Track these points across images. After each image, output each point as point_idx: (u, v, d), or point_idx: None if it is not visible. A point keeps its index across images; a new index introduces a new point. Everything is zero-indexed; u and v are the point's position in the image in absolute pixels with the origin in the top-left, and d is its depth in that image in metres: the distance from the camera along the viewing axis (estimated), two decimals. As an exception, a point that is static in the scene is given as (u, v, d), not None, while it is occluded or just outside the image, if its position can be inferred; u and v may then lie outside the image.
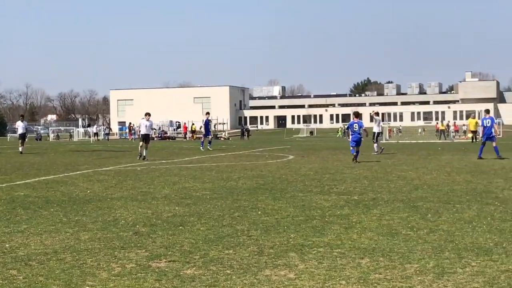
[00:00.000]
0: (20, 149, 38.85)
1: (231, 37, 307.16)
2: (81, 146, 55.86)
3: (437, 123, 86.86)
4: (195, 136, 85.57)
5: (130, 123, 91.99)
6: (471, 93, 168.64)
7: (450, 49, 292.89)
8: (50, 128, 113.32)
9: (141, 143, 30.16)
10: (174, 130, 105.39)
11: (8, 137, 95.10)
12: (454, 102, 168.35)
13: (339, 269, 7.79)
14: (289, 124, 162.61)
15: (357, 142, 26.73)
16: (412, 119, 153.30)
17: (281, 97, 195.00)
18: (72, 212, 12.63)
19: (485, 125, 28.69)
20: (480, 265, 7.85)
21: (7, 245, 9.40)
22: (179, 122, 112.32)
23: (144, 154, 29.48)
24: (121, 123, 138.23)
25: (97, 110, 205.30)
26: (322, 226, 10.69)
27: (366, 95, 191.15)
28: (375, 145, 33.31)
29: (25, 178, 20.34)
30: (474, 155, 31.24)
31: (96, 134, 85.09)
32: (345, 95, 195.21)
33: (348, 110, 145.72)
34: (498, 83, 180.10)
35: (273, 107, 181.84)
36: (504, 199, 13.74)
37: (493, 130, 28.44)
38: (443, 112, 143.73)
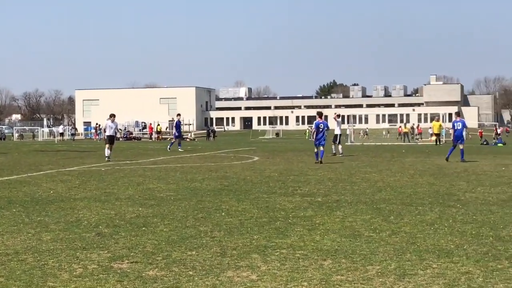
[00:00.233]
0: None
1: (198, 38, 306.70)
2: (45, 146, 55.32)
3: (400, 126, 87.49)
4: (160, 136, 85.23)
5: (96, 124, 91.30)
6: (436, 96, 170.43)
7: (415, 52, 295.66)
8: (14, 128, 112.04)
9: (107, 145, 29.94)
10: (140, 131, 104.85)
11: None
12: (418, 105, 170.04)
13: (301, 270, 7.81)
14: (255, 126, 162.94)
15: (321, 143, 27.05)
16: (377, 121, 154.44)
17: (247, 99, 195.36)
18: (34, 213, 12.51)
19: (456, 128, 29.04)
20: (441, 267, 7.92)
21: (-33, 246, 9.29)
22: (145, 123, 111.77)
23: (108, 155, 29.29)
24: (87, 123, 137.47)
25: (62, 110, 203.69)
26: (285, 227, 10.71)
27: (332, 97, 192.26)
28: (340, 146, 33.63)
29: (-13, 178, 20.10)
30: (438, 157, 31.59)
31: (61, 134, 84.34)
32: (311, 97, 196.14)
33: (314, 112, 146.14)
34: (462, 87, 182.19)
35: (239, 108, 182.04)
36: (465, 202, 13.88)
37: (463, 133, 28.77)
38: (407, 115, 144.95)
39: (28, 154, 37.41)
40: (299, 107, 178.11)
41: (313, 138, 27.99)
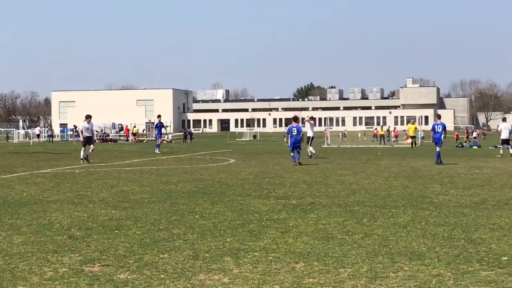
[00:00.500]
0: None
1: (175, 39, 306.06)
2: (20, 148, 54.88)
3: (375, 128, 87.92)
4: (137, 138, 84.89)
5: (74, 126, 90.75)
6: (412, 99, 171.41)
7: (392, 55, 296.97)
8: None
9: (84, 147, 29.68)
10: (117, 133, 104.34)
11: None
12: (395, 107, 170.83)
13: (274, 273, 7.81)
14: (232, 128, 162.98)
15: (296, 146, 27.25)
16: (354, 123, 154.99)
17: (225, 101, 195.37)
18: (6, 215, 12.41)
19: (436, 130, 29.25)
20: (412, 270, 7.95)
21: None
22: (121, 125, 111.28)
23: (85, 156, 29.02)
24: (63, 125, 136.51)
25: (38, 111, 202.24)
26: (259, 230, 10.71)
27: (309, 100, 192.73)
28: (311, 148, 33.76)
29: (-41, 180, 19.91)
30: (413, 160, 31.73)
31: (38, 136, 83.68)
32: (288, 100, 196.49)
33: (291, 115, 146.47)
34: (438, 90, 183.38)
35: (216, 110, 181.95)
36: (439, 204, 13.96)
37: (442, 136, 28.94)
38: (384, 117, 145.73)
39: (1, 156, 37.08)
40: (277, 109, 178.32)
41: (287, 143, 28.20)
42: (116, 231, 10.61)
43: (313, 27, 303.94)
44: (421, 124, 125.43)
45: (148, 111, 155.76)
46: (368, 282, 7.41)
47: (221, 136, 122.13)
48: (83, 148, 29.68)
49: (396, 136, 77.01)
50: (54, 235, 10.28)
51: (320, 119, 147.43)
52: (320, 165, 27.51)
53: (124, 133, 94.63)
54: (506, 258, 8.55)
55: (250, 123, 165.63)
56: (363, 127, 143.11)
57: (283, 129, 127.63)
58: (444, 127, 29.27)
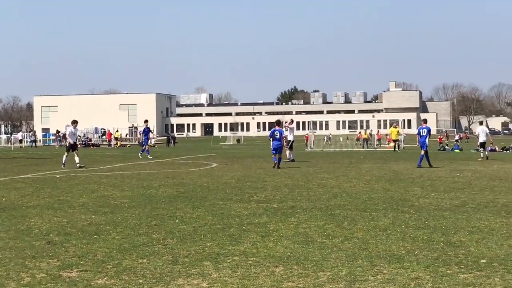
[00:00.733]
0: None
1: (158, 43, 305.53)
2: (1, 153, 54.54)
3: (359, 132, 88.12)
4: (119, 143, 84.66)
5: (57, 131, 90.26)
6: (395, 103, 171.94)
7: (375, 59, 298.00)
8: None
9: (68, 152, 29.50)
10: (99, 137, 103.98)
11: None
12: (378, 111, 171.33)
13: (253, 277, 7.79)
14: (216, 132, 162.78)
15: (278, 149, 27.63)
16: (338, 127, 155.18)
17: (208, 105, 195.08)
18: (-16, 221, 12.31)
19: (421, 134, 29.49)
20: (391, 273, 7.95)
21: None
22: (104, 129, 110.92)
23: (78, 161, 28.86)
24: (45, 130, 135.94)
25: (20, 116, 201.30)
26: (239, 234, 10.68)
27: (292, 104, 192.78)
28: (288, 152, 33.88)
29: None
30: (395, 163, 31.82)
31: (20, 141, 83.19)
32: (272, 103, 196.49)
33: (275, 119, 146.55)
34: (421, 93, 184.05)
35: (200, 114, 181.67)
36: (419, 207, 13.99)
37: (427, 140, 29.12)
38: (367, 121, 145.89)
39: (-17, 161, 36.83)
40: (260, 113, 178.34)
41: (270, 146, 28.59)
42: (95, 236, 10.55)
43: (296, 31, 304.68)
44: (404, 127, 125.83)
45: (131, 115, 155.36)
46: (347, 285, 7.40)
47: (205, 140, 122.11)
48: (66, 153, 29.50)
49: (379, 140, 77.27)
50: (33, 241, 10.21)
51: (303, 123, 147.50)
52: (302, 168, 27.55)
53: (106, 137, 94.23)
54: (484, 260, 8.57)
55: (233, 127, 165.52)
56: (346, 131, 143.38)
57: (267, 133, 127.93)
58: (429, 131, 29.64)
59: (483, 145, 37.11)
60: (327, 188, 18.57)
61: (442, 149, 59.81)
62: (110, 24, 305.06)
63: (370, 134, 79.40)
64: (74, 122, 30.59)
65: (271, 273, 7.98)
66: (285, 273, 8.00)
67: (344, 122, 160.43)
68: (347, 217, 12.50)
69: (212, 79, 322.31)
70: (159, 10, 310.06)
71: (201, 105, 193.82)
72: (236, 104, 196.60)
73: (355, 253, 9.07)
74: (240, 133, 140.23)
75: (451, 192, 17.10)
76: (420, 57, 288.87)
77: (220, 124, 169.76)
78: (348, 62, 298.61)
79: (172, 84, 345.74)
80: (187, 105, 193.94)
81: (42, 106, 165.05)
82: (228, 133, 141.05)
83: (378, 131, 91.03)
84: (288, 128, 35.47)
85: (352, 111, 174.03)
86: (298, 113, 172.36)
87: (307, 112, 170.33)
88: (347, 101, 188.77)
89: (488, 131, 37.87)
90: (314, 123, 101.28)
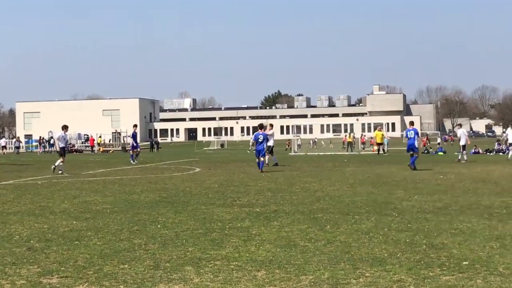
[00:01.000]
0: None
1: (141, 48, 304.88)
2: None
3: (345, 135, 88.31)
4: (102, 148, 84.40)
5: (40, 137, 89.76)
6: (379, 106, 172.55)
7: (359, 62, 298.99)
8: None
9: (62, 158, 29.27)
10: (83, 143, 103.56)
11: None
12: (362, 114, 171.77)
13: (235, 282, 7.75)
14: (200, 137, 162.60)
15: (261, 153, 27.69)
16: (322, 131, 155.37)
17: (192, 110, 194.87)
18: (-36, 228, 12.19)
19: (408, 137, 29.63)
20: (373, 276, 7.93)
21: None
22: (87, 135, 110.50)
23: (56, 165, 28.69)
24: (28, 136, 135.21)
25: (3, 123, 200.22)
26: (221, 238, 10.64)
27: (276, 108, 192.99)
28: (267, 157, 33.87)
29: None
30: (378, 166, 31.87)
31: (4, 147, 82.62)
32: (256, 108, 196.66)
33: (259, 123, 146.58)
34: (404, 96, 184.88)
35: (183, 119, 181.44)
36: (402, 210, 13.99)
37: (415, 142, 29.23)
38: (351, 125, 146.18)
39: (-36, 168, 36.55)
40: (244, 117, 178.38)
41: (253, 149, 28.64)
42: (76, 242, 10.47)
43: (280, 35, 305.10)
44: (388, 131, 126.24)
45: (114, 121, 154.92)
46: (329, 289, 7.39)
47: (189, 145, 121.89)
48: (61, 159, 29.21)
49: (363, 143, 77.44)
50: (13, 247, 10.12)
51: (287, 127, 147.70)
52: (285, 172, 27.54)
53: (89, 143, 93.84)
54: (466, 262, 8.57)
55: (217, 131, 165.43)
56: (330, 135, 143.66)
57: (251, 137, 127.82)
58: (416, 133, 29.68)
59: (464, 147, 37.65)
60: (310, 191, 18.56)
61: (426, 151, 60.01)
62: (92, 29, 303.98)
63: (354, 137, 79.55)
64: (65, 127, 30.48)
65: (253, 277, 7.95)
66: (267, 277, 7.97)
67: (328, 126, 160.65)
68: (329, 221, 12.48)
69: (195, 84, 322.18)
70: (141, 15, 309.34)
71: (185, 110, 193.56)
72: (219, 109, 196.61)
73: (337, 257, 9.05)
74: (224, 138, 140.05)
75: (434, 195, 17.13)
76: (404, 60, 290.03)
77: (204, 129, 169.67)
78: (331, 66, 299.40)
79: (155, 89, 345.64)
80: (170, 110, 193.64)
81: (24, 112, 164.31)
82: (212, 138, 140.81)
83: (362, 134, 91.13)
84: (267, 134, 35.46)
85: (336, 115, 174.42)
86: (282, 117, 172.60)
87: (291, 116, 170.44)
88: (331, 104, 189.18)
89: (467, 133, 38.47)
90: (298, 127, 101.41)
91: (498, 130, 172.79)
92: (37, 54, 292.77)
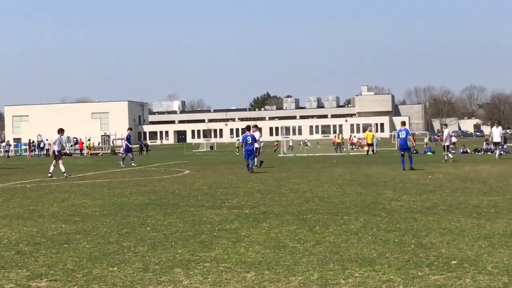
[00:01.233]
0: None
1: (129, 51, 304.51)
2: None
3: (335, 136, 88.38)
4: (91, 151, 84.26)
5: (29, 140, 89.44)
6: (367, 107, 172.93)
7: (347, 63, 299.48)
8: None
9: (61, 160, 29.18)
10: (72, 146, 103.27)
11: None
12: (351, 115, 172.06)
13: (224, 283, 7.76)
14: (189, 139, 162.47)
15: (250, 154, 27.75)
16: (311, 132, 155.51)
17: (181, 112, 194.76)
18: (-48, 233, 12.14)
19: (400, 137, 29.74)
20: (362, 276, 7.95)
21: None
22: (76, 138, 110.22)
23: (51, 171, 28.62)
24: (17, 140, 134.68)
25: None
26: (210, 240, 10.63)
27: (265, 109, 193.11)
28: (256, 159, 33.94)
29: None
30: (367, 167, 31.93)
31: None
32: (245, 110, 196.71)
33: (246, 125, 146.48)
34: (393, 97, 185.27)
35: (173, 122, 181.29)
36: (391, 210, 14.02)
37: (408, 142, 29.36)
38: (340, 126, 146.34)
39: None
40: (233, 119, 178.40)
41: (242, 150, 28.76)
42: (65, 245, 10.45)
43: (268, 37, 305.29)
44: (377, 131, 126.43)
45: (103, 123, 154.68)
46: (318, 289, 7.40)
47: (178, 147, 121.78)
48: (61, 162, 29.13)
49: (352, 144, 77.53)
50: (2, 251, 10.09)
51: (276, 128, 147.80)
52: (274, 174, 27.56)
53: (78, 146, 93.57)
54: (455, 262, 8.60)
55: (207, 133, 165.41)
56: (319, 136, 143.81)
57: (240, 138, 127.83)
58: (407, 133, 29.81)
59: (448, 147, 38.25)
60: (299, 193, 18.58)
61: (414, 152, 60.11)
62: (80, 32, 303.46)
63: (342, 138, 79.64)
64: (61, 131, 30.43)
65: (242, 279, 7.95)
66: (256, 278, 7.97)
67: (317, 127, 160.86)
68: (318, 221, 12.50)
69: (184, 86, 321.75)
70: (129, 17, 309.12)
71: (174, 112, 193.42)
72: (209, 111, 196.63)
73: (326, 257, 9.07)
74: (213, 140, 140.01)
75: (423, 195, 17.18)
76: (392, 61, 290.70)
77: (193, 131, 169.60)
78: (320, 67, 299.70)
79: (144, 92, 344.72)
80: (159, 113, 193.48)
81: (13, 116, 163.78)
82: (202, 140, 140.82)
83: (355, 135, 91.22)
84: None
85: (325, 116, 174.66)
86: (271, 118, 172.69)
87: (280, 118, 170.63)
88: (320, 106, 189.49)
89: (452, 133, 39.18)
90: (287, 128, 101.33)
91: (486, 129, 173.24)
92: (25, 57, 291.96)
